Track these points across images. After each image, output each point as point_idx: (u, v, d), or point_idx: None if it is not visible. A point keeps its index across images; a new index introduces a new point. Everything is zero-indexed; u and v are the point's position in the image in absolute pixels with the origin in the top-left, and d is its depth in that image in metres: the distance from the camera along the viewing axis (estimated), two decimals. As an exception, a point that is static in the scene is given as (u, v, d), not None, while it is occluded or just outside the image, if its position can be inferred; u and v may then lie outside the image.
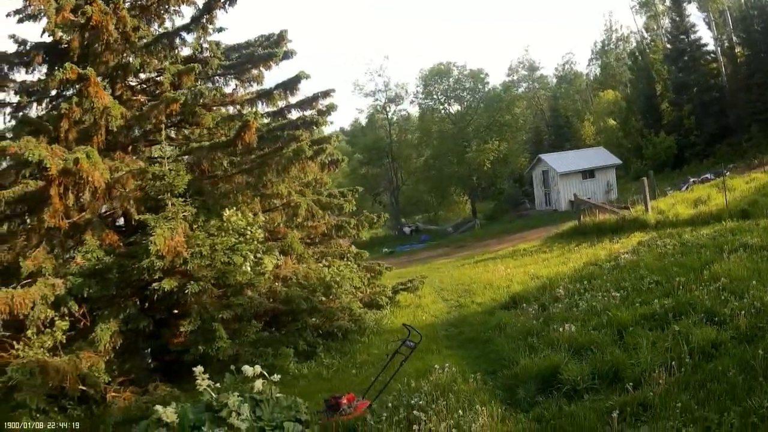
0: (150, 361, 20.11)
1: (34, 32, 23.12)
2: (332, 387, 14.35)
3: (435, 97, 77.39)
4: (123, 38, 21.21)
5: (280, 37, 23.98)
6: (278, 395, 9.64)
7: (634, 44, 78.02)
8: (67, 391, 17.23)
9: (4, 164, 21.25)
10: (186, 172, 19.81)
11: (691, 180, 43.60)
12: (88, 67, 19.34)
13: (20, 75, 22.93)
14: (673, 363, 10.19)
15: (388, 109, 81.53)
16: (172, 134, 23.44)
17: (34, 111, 23.15)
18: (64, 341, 17.87)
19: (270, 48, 23.79)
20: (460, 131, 72.99)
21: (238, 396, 9.18)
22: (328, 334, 20.03)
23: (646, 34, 75.26)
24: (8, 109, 23.20)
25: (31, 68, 22.79)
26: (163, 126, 21.17)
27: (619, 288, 16.34)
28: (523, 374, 11.76)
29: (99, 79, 19.74)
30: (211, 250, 18.52)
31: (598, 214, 32.70)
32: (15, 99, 23.09)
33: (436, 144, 75.81)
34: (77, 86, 19.61)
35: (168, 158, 20.28)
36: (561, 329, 13.46)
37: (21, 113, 22.94)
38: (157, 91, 22.87)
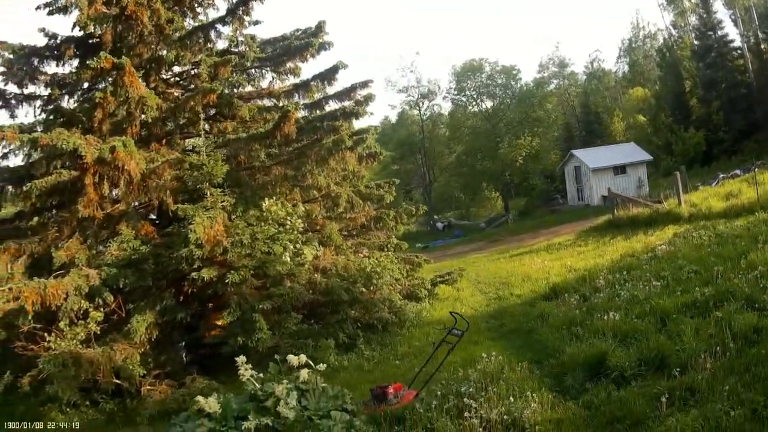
0: (184, 354, 20.03)
1: (65, 25, 23.23)
2: (374, 379, 14.46)
3: (467, 93, 76.60)
4: (157, 31, 21.26)
5: (318, 29, 23.88)
6: (323, 385, 9.58)
7: (662, 41, 77.60)
8: (101, 384, 17.18)
9: (35, 156, 21.46)
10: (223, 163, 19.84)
11: (721, 176, 43.23)
12: (123, 57, 19.34)
13: (50, 68, 23.14)
14: (718, 348, 10.29)
15: (421, 105, 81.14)
16: (207, 128, 23.36)
17: (65, 104, 23.32)
18: (98, 332, 17.82)
19: (307, 39, 23.70)
20: (492, 127, 72.30)
21: (287, 384, 9.14)
22: (368, 326, 19.93)
23: (673, 31, 74.79)
24: (38, 102, 23.38)
25: (62, 62, 22.83)
26: (201, 117, 21.19)
27: (659, 278, 16.45)
28: (570, 362, 11.91)
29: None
30: (251, 239, 18.47)
31: (632, 207, 32.80)
32: (45, 92, 23.24)
33: (468, 140, 75.35)
34: (112, 76, 19.60)
35: (206, 148, 20.31)
36: (605, 317, 13.66)
37: (51, 106, 22.99)
38: (191, 85, 22.92)
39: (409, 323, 20.27)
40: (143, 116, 20.10)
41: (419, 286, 23.18)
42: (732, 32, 65.12)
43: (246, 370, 9.56)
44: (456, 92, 77.34)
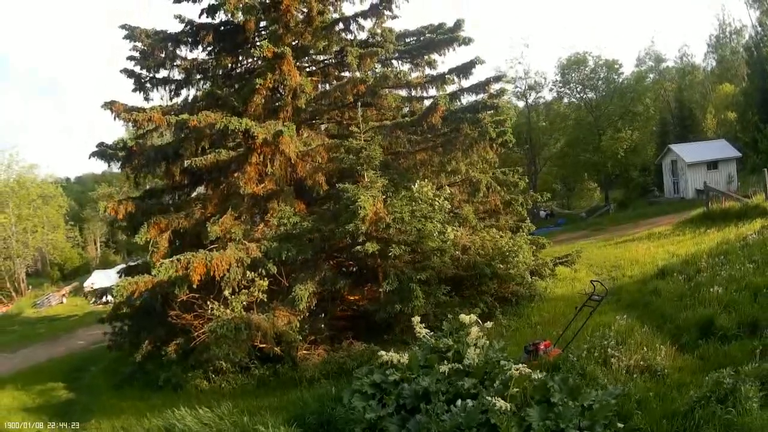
0: (326, 322, 21.58)
1: (190, 11, 24.50)
2: (515, 343, 16.64)
3: (572, 85, 76.69)
4: (305, 21, 22.98)
5: (457, 26, 24.98)
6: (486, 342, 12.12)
7: (747, 38, 76.93)
8: (265, 349, 19.27)
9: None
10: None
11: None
12: (282, 47, 21.25)
13: (183, 54, 25.21)
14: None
15: (528, 96, 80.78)
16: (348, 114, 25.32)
17: (198, 89, 25.50)
18: (264, 300, 19.84)
19: (446, 34, 25.03)
20: (595, 120, 72.90)
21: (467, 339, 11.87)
22: (502, 299, 21.71)
23: (759, 29, 74.16)
24: (172, 86, 25.42)
25: (199, 47, 24.79)
26: (359, 104, 22.95)
27: (751, 260, 19.17)
28: (684, 325, 15.25)
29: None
30: (411, 216, 20.14)
31: (724, 201, 35.04)
32: (178, 76, 25.31)
33: (571, 131, 75.93)
34: (270, 64, 21.49)
35: (364, 132, 21.95)
36: (711, 290, 16.74)
37: (189, 89, 25.38)
38: (325, 75, 24.81)
39: (537, 298, 22.11)
40: (296, 102, 21.92)
41: (543, 266, 24.75)
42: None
43: (421, 329, 12.52)
44: (561, 84, 77.68)
